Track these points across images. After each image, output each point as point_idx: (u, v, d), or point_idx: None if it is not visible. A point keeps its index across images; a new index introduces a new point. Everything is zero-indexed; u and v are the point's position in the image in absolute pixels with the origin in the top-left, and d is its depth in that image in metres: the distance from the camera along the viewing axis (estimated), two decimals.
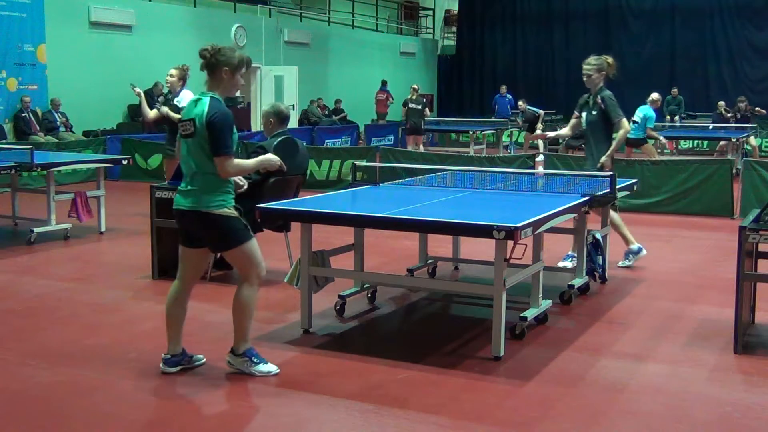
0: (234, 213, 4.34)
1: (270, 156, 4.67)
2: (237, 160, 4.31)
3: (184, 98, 8.85)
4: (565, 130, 7.69)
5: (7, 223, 9.36)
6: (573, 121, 7.45)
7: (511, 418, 4.04)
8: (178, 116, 9.09)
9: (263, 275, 4.49)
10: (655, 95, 13.23)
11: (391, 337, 5.59)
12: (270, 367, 4.50)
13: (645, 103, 12.99)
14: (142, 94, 9.47)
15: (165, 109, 9.03)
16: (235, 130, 4.36)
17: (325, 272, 5.43)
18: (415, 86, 16.45)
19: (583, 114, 7.11)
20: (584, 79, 7.00)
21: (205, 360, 4.68)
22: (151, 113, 9.37)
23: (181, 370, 4.54)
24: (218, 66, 4.29)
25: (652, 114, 12.80)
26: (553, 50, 28.27)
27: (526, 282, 5.43)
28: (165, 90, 9.04)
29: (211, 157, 4.22)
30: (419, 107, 15.83)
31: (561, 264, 7.12)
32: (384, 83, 23.22)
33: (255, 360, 4.48)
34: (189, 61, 20.99)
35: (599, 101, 6.91)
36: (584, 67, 7.00)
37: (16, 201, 9.37)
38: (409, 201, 5.71)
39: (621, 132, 6.95)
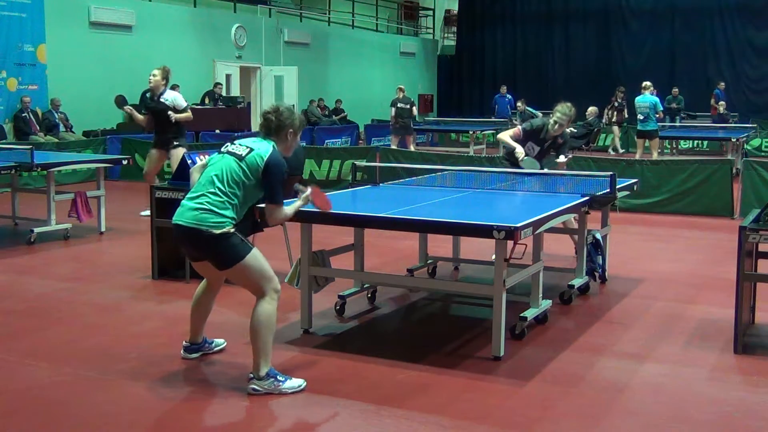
0: (230, 230, 4.20)
1: (307, 196, 4.60)
2: (284, 207, 4.38)
3: (171, 97, 9.28)
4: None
5: (7, 223, 9.36)
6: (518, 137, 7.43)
7: (511, 418, 4.04)
8: (184, 115, 9.25)
9: (279, 289, 4.32)
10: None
11: (391, 337, 5.59)
12: (298, 382, 4.31)
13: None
14: (132, 110, 9.85)
15: (173, 115, 9.23)
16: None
17: (325, 272, 5.43)
18: (401, 86, 16.73)
19: (534, 146, 7.20)
20: (556, 127, 7.08)
21: (225, 344, 4.96)
22: (141, 116, 9.71)
23: (201, 355, 4.83)
24: (284, 128, 4.37)
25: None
26: (553, 50, 28.25)
27: (526, 282, 5.43)
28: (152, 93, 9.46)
29: (240, 189, 4.22)
30: (407, 106, 16.02)
31: None
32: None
33: (280, 378, 4.27)
34: (189, 61, 20.89)
35: (560, 141, 7.26)
36: (560, 116, 7.04)
37: (16, 201, 9.37)
38: (409, 201, 5.72)
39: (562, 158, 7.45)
